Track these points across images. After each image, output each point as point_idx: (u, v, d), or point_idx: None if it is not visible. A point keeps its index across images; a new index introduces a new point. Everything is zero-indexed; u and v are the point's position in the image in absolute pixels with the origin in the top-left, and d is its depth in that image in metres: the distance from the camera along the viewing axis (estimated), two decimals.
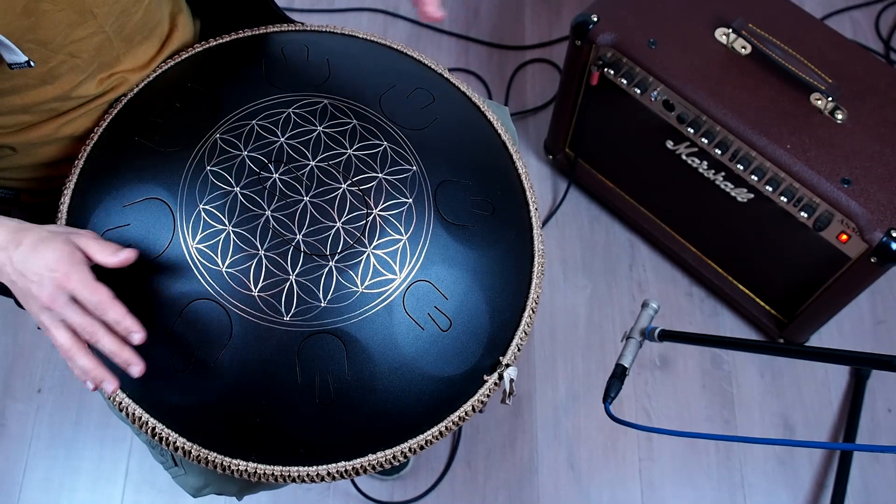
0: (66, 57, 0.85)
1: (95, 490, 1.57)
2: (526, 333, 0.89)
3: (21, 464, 1.59)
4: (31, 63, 0.80)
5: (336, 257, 0.82)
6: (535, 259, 0.92)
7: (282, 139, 0.87)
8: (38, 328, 0.79)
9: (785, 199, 1.37)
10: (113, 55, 0.92)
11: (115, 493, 1.57)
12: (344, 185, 0.85)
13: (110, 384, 0.76)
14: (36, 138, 0.92)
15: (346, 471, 0.83)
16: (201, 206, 0.83)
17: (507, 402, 0.89)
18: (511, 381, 0.86)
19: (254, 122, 0.88)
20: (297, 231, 0.82)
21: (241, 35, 1.02)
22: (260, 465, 0.82)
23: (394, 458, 0.83)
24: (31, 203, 1.00)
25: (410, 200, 0.86)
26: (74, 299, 0.75)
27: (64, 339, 0.76)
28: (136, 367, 0.76)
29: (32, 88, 0.85)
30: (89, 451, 1.61)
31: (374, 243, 0.83)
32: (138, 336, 0.76)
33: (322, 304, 0.80)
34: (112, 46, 0.90)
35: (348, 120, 0.89)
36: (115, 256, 0.79)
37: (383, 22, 2.09)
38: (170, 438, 0.82)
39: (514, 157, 0.98)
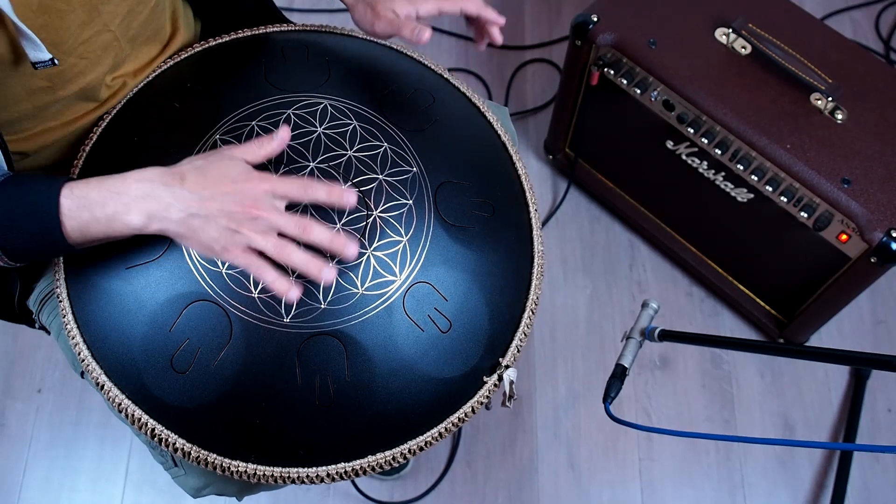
0: (76, 60, 0.86)
1: (95, 490, 1.57)
2: (525, 335, 0.89)
3: (21, 464, 1.59)
4: (56, 61, 0.79)
5: (337, 259, 0.82)
6: (535, 260, 0.92)
7: None
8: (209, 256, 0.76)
9: (785, 199, 1.37)
10: (120, 56, 0.92)
11: (115, 493, 1.57)
12: (344, 187, 0.85)
13: (329, 271, 0.74)
14: (44, 143, 0.92)
15: (345, 472, 0.83)
16: None
17: (508, 404, 0.89)
18: (511, 382, 0.86)
19: (254, 122, 0.88)
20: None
21: (240, 35, 1.02)
22: (260, 467, 0.82)
23: (394, 459, 0.83)
24: None
25: (410, 202, 0.86)
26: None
27: (274, 242, 0.73)
28: (352, 248, 0.75)
29: (43, 91, 0.85)
30: (89, 451, 1.61)
31: (374, 245, 0.83)
32: (352, 198, 0.76)
33: (322, 306, 0.80)
34: (119, 47, 0.91)
35: (348, 121, 0.89)
36: (273, 143, 0.79)
37: None
38: (169, 440, 0.82)
39: (514, 158, 0.98)
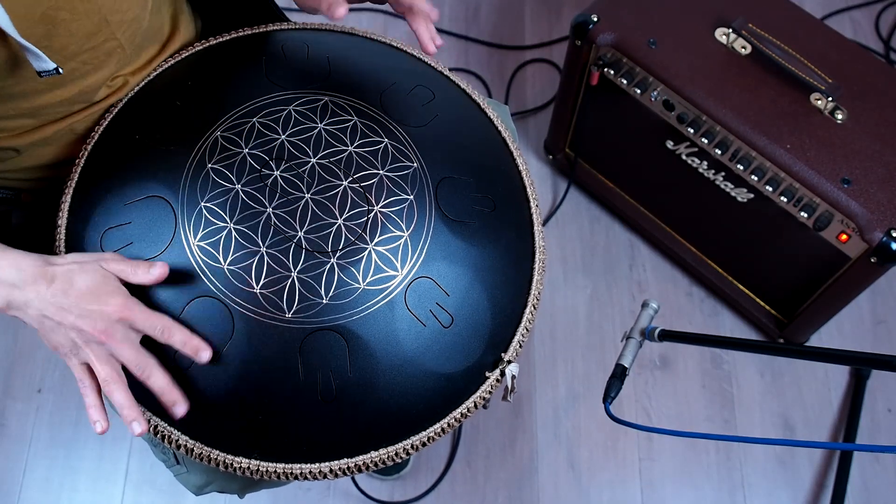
0: (78, 65, 0.86)
1: (95, 490, 1.57)
2: (527, 330, 0.89)
3: (21, 464, 1.59)
4: (60, 70, 0.79)
5: (337, 254, 0.82)
6: (536, 255, 0.92)
7: (283, 136, 0.87)
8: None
9: (785, 199, 1.37)
10: (124, 61, 0.92)
11: (115, 493, 1.57)
12: (345, 182, 0.85)
13: (139, 426, 0.76)
14: (39, 140, 0.92)
15: (348, 468, 0.83)
16: (202, 203, 0.83)
17: (508, 399, 0.89)
18: (513, 377, 0.86)
19: (254, 119, 0.88)
20: (298, 228, 0.82)
21: (241, 33, 1.02)
22: (262, 463, 0.82)
23: (396, 454, 0.83)
24: (32, 203, 1.00)
25: (411, 197, 0.86)
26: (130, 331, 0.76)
27: (107, 373, 0.75)
28: (182, 407, 0.77)
29: (42, 93, 0.85)
30: (89, 451, 1.61)
31: (376, 240, 0.83)
32: (206, 354, 0.77)
33: (324, 301, 0.80)
34: (123, 53, 0.91)
35: (349, 117, 0.89)
36: (149, 274, 0.79)
37: (383, 21, 2.10)
38: (172, 436, 0.82)
39: (515, 154, 0.98)
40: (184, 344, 0.77)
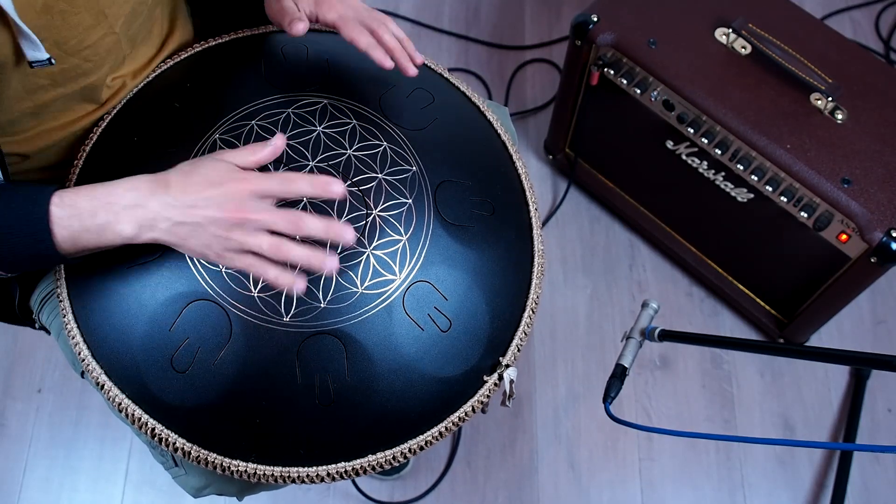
0: (80, 61, 0.86)
1: (95, 490, 1.57)
2: (526, 334, 0.89)
3: (21, 464, 1.59)
4: (52, 61, 0.78)
5: (339, 248, 0.82)
6: (535, 259, 0.92)
7: None
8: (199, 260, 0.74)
9: (785, 199, 1.37)
10: (120, 57, 0.92)
11: (115, 493, 1.57)
12: (343, 186, 0.85)
13: (332, 261, 0.73)
14: (44, 144, 0.92)
15: (346, 471, 0.83)
16: None
17: (508, 404, 0.89)
18: (511, 381, 0.86)
19: (253, 122, 0.88)
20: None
21: (240, 35, 1.02)
22: (260, 466, 0.82)
23: (394, 458, 0.83)
24: None
25: (410, 201, 0.86)
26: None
27: (268, 241, 0.72)
28: (350, 232, 0.73)
29: (44, 89, 0.85)
30: (89, 451, 1.61)
31: (374, 244, 0.83)
32: (338, 187, 0.73)
33: (322, 305, 0.80)
34: (120, 48, 0.91)
35: (348, 120, 0.89)
36: (263, 152, 0.77)
37: None
38: (169, 439, 0.82)
39: (514, 157, 0.98)
40: (313, 187, 0.73)
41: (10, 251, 0.75)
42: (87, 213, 0.74)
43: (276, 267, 0.73)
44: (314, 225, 0.73)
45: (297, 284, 0.72)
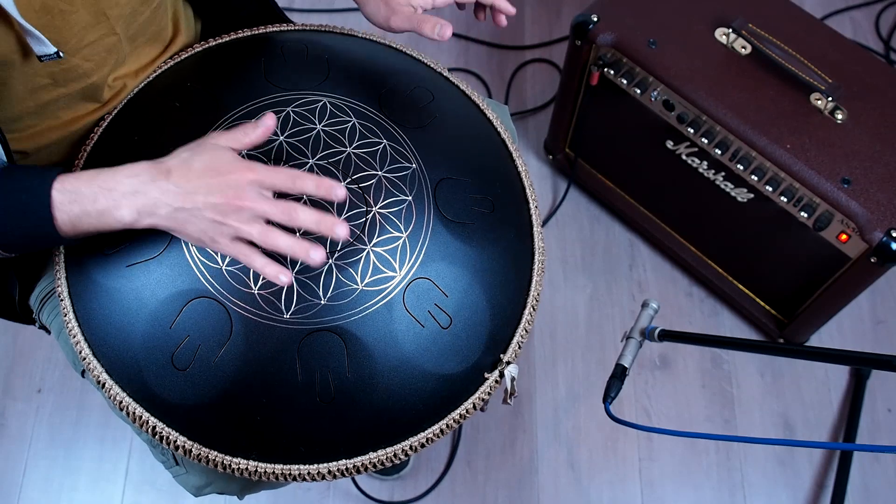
0: (80, 61, 0.86)
1: (95, 490, 1.57)
2: (527, 331, 0.89)
3: (21, 464, 1.59)
4: (61, 54, 0.79)
5: (336, 255, 0.82)
6: (536, 256, 0.92)
7: (281, 138, 0.87)
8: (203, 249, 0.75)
9: (785, 199, 1.37)
10: (121, 56, 0.92)
11: (115, 493, 1.57)
12: (343, 184, 0.85)
13: (318, 253, 0.72)
14: (46, 141, 0.92)
15: (346, 469, 0.83)
16: None
17: (509, 402, 0.89)
18: (512, 379, 0.86)
19: (253, 121, 0.88)
20: (296, 229, 0.82)
21: (240, 35, 1.02)
22: (261, 464, 0.82)
23: (395, 455, 0.83)
24: None
25: (410, 198, 0.86)
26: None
27: (259, 229, 0.73)
28: (343, 228, 0.73)
29: (46, 89, 0.86)
30: (89, 451, 1.61)
31: (374, 241, 0.83)
32: (341, 192, 0.74)
33: (322, 302, 0.80)
34: (120, 47, 0.91)
35: (348, 118, 0.89)
36: (255, 132, 0.77)
37: None
38: (170, 437, 0.82)
39: (514, 154, 0.98)
40: (317, 186, 0.74)
41: (11, 232, 0.77)
42: (87, 199, 0.75)
43: (263, 256, 0.74)
44: (307, 217, 0.73)
45: (283, 275, 0.73)
